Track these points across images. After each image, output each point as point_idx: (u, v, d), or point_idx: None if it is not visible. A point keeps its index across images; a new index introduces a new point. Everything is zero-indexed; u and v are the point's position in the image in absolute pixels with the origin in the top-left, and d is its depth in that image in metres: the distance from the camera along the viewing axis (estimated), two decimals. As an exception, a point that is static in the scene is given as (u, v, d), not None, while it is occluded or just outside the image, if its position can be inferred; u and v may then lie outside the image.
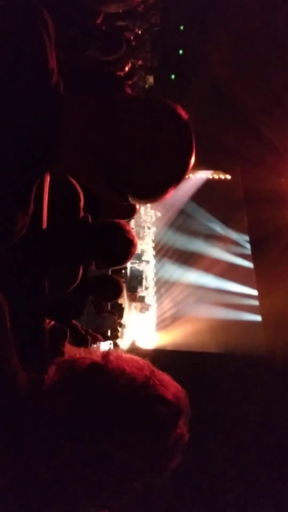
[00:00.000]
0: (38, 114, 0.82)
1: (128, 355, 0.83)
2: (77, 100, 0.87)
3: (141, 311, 8.62)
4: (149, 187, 0.88)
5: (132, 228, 2.10)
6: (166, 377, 0.82)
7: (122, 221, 1.89)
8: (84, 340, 2.52)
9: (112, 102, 0.87)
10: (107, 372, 0.78)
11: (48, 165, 0.91)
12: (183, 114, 0.86)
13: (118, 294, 2.75)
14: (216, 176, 11.01)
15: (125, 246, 1.85)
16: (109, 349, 0.90)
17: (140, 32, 6.74)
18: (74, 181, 1.50)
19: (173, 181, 0.87)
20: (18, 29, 0.83)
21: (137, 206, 2.76)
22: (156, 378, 0.79)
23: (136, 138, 0.83)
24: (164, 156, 0.84)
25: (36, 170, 0.88)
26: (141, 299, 8.43)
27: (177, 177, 0.87)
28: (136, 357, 0.83)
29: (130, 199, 0.89)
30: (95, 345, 2.89)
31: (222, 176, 11.07)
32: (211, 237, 10.56)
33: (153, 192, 0.89)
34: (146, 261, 8.85)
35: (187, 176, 0.90)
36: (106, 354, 0.82)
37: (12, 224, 0.86)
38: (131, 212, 2.50)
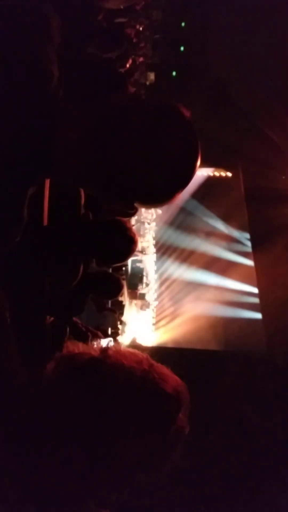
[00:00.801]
0: (33, 121, 0.79)
1: (127, 350, 0.82)
2: (76, 106, 0.84)
3: (141, 308, 8.63)
4: (156, 193, 0.84)
5: (133, 225, 2.10)
6: (165, 370, 0.82)
7: (123, 219, 1.89)
8: (84, 337, 2.53)
9: (112, 105, 0.84)
10: (105, 366, 0.78)
11: (42, 175, 0.88)
12: (186, 113, 0.82)
13: (119, 292, 2.75)
14: (217, 174, 10.96)
15: (126, 244, 1.85)
16: (108, 344, 0.91)
17: (141, 28, 6.72)
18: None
19: (180, 186, 0.84)
20: (19, 33, 0.80)
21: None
22: (155, 371, 0.79)
23: (139, 143, 0.78)
24: (170, 160, 0.80)
25: (28, 180, 0.84)
26: (142, 296, 8.43)
27: (184, 181, 0.84)
28: (135, 351, 0.83)
29: (135, 205, 0.86)
30: (95, 342, 2.89)
31: (223, 174, 11.02)
32: (212, 235, 10.54)
33: (160, 198, 0.86)
34: (146, 254, 8.87)
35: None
36: (104, 349, 0.82)
37: (3, 234, 0.84)
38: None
